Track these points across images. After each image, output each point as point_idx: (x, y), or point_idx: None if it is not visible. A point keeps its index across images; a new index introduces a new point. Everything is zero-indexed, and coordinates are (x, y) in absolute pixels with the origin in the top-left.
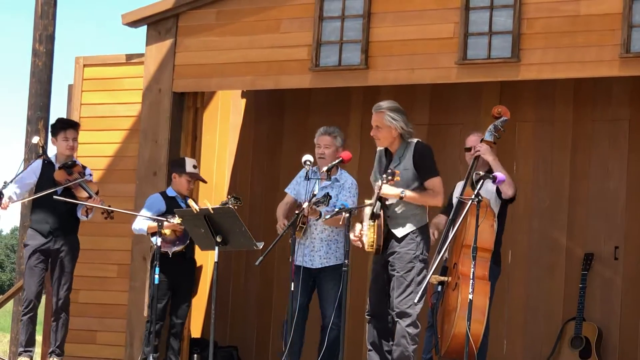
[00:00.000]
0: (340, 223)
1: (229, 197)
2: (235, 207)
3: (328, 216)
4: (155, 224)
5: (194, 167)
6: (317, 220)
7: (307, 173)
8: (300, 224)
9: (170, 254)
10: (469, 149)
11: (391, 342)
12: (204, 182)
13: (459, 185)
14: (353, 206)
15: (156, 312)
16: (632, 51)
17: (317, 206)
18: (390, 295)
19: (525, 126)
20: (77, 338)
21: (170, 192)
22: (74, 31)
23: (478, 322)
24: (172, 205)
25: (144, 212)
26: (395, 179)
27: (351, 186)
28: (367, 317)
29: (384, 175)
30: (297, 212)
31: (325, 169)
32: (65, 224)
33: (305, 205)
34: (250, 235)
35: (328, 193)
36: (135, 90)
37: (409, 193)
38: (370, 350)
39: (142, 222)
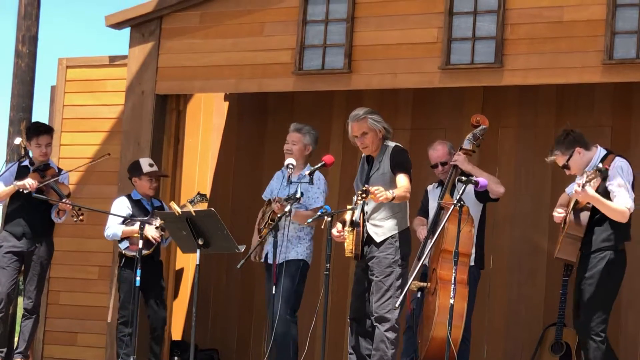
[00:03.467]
0: (307, 222)
1: (195, 195)
2: (200, 203)
3: (310, 220)
4: (129, 228)
5: (150, 165)
6: (286, 216)
7: (289, 177)
8: (269, 221)
9: (138, 256)
10: (436, 166)
11: (371, 347)
12: (166, 176)
13: (430, 190)
14: (334, 210)
15: (131, 315)
16: (615, 58)
17: (287, 202)
18: (369, 300)
19: (508, 132)
20: (58, 340)
21: (135, 195)
22: (57, 32)
23: (456, 327)
24: (137, 209)
25: (113, 216)
26: (370, 197)
27: (319, 181)
28: (349, 320)
29: (359, 192)
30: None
31: (307, 172)
32: (40, 226)
33: (274, 204)
34: (232, 238)
35: (302, 193)
36: (118, 92)
37: (396, 192)
38: (351, 354)
39: (115, 227)
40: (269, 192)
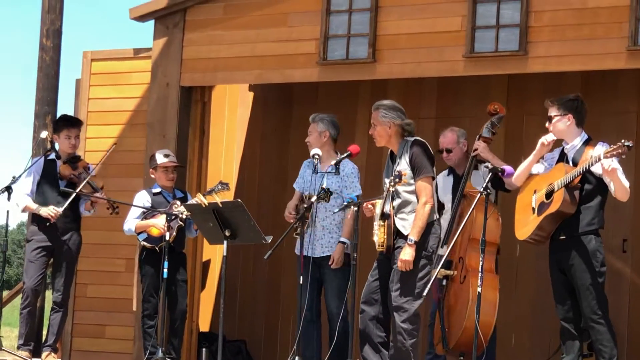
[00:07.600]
0: (334, 212)
1: (217, 184)
2: (223, 192)
3: (336, 210)
4: (143, 222)
5: (166, 155)
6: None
7: (315, 167)
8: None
9: (157, 248)
10: (441, 152)
11: (384, 334)
12: (181, 166)
13: (440, 179)
14: (361, 200)
15: (154, 307)
16: (639, 44)
17: (319, 202)
18: (388, 288)
19: (533, 119)
20: (86, 332)
21: (156, 187)
22: (81, 25)
23: (489, 316)
24: (157, 201)
25: (134, 210)
26: (403, 181)
27: (352, 173)
28: (360, 305)
29: (392, 178)
30: (303, 205)
31: (333, 162)
32: (69, 219)
33: (313, 199)
34: (259, 229)
35: (328, 189)
36: (143, 84)
37: (413, 236)
38: (363, 342)
39: (131, 222)
40: (301, 183)
